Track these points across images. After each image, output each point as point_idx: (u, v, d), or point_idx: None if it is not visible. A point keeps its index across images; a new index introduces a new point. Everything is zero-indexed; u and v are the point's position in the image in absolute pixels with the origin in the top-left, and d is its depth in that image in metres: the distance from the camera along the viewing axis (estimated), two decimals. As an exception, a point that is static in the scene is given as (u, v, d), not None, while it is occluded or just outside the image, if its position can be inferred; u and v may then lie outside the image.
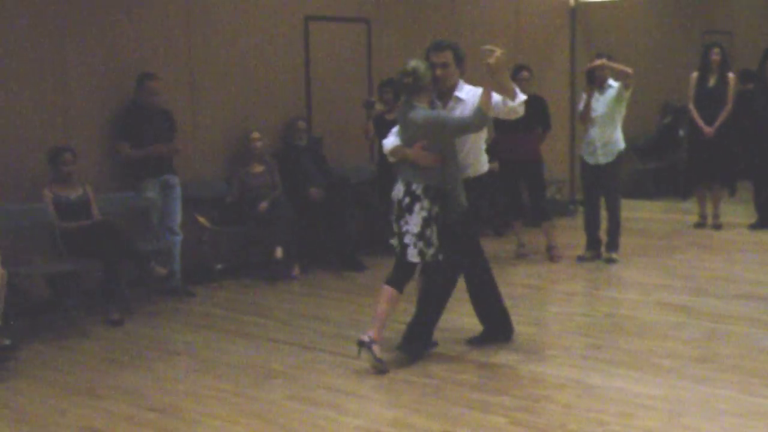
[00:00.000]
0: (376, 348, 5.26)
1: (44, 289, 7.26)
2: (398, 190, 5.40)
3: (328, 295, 7.80)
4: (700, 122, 9.73)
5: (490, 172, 6.05)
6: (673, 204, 11.36)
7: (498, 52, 5.14)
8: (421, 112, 5.31)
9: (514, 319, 6.68)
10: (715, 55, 9.75)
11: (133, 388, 5.42)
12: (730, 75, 9.81)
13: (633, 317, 6.63)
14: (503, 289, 7.38)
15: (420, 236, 5.29)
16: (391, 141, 5.54)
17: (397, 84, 5.43)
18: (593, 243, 8.67)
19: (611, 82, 8.36)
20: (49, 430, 4.83)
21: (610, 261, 8.47)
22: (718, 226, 10.02)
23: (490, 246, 9.45)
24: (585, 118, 8.48)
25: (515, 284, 7.89)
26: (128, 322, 6.89)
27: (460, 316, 6.40)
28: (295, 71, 8.97)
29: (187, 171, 8.01)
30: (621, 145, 8.46)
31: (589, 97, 8.40)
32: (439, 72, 5.33)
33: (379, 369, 5.30)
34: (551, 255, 8.71)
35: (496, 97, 5.29)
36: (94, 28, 7.63)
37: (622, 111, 8.41)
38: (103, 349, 6.37)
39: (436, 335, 5.85)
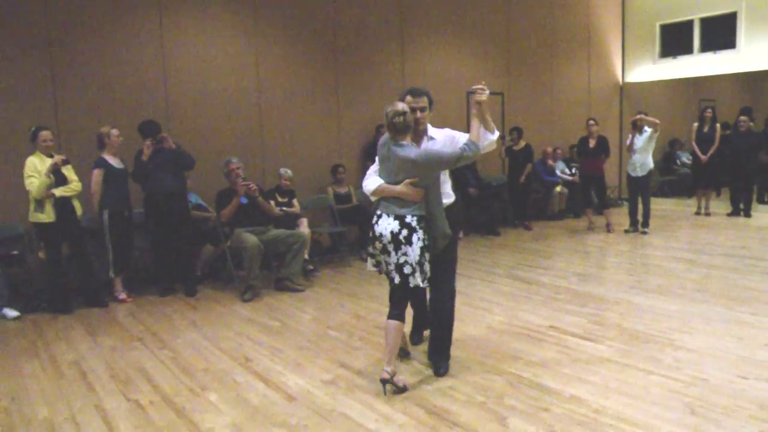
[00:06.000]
0: (397, 379, 3.64)
1: (328, 240, 7.70)
2: (390, 224, 3.59)
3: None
4: (699, 153, 9.66)
5: (456, 201, 3.96)
6: (681, 200, 11.14)
7: (487, 91, 3.67)
8: (412, 149, 3.59)
9: (589, 265, 6.64)
10: (708, 113, 9.62)
11: (377, 294, 5.67)
12: (717, 125, 9.64)
13: (658, 265, 6.54)
14: (581, 249, 7.50)
15: (420, 264, 3.59)
16: (372, 182, 3.73)
17: (388, 123, 3.60)
18: (634, 222, 8.68)
19: (646, 128, 8.38)
20: (335, 313, 5.15)
21: (644, 233, 8.48)
22: (708, 214, 9.92)
23: (572, 224, 9.53)
24: (630, 149, 8.51)
25: (588, 245, 7.89)
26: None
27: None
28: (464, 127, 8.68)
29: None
30: (651, 165, 8.49)
31: (633, 136, 8.48)
32: (418, 114, 3.71)
33: (402, 391, 3.64)
34: (609, 229, 8.75)
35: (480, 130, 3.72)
36: (356, 93, 7.95)
37: (653, 145, 8.41)
38: (359, 272, 6.65)
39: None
